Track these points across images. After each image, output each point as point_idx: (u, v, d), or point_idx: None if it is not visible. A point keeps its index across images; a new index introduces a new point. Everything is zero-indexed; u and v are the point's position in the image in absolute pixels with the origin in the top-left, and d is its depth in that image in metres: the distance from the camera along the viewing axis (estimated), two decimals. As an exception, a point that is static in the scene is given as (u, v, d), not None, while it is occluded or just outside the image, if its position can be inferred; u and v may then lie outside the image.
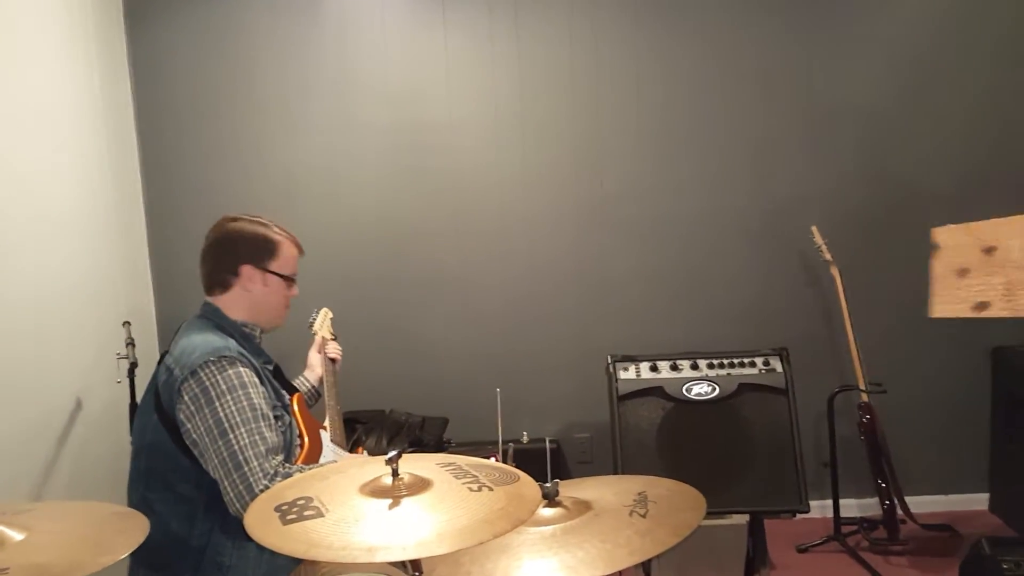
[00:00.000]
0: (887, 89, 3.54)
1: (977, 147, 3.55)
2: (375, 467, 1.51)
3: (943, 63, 3.53)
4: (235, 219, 2.20)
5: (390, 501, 1.39)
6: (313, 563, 2.10)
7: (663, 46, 3.56)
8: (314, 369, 2.63)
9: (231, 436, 1.91)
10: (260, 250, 2.18)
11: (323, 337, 2.65)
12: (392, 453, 1.44)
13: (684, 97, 3.58)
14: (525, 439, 3.43)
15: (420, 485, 1.45)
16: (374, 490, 1.43)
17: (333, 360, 2.62)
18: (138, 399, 2.57)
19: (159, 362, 2.13)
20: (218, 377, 1.96)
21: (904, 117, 3.57)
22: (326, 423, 2.45)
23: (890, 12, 3.51)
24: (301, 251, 2.28)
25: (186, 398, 1.95)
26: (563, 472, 3.49)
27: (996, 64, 3.52)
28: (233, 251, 2.16)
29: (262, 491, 1.80)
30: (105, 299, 3.14)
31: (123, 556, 1.34)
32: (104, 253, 3.19)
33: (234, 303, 2.16)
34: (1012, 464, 3.49)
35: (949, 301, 1.24)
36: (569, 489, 1.77)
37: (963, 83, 3.54)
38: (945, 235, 1.23)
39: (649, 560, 2.68)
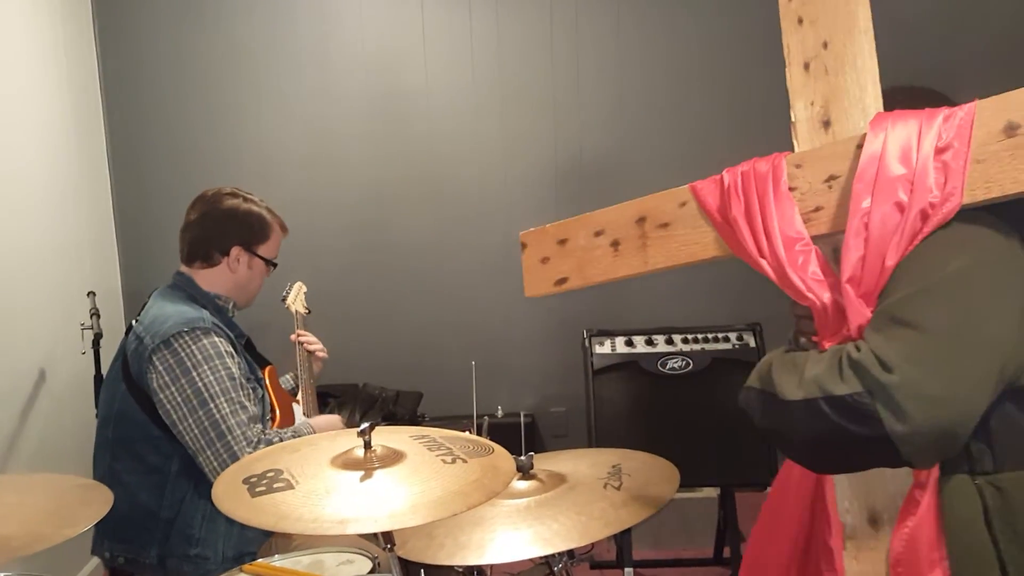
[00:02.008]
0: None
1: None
2: (347, 439, 1.49)
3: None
4: (233, 194, 2.16)
5: (362, 473, 1.37)
6: (285, 536, 2.09)
7: (643, 13, 3.51)
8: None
9: (211, 405, 1.89)
10: (254, 233, 2.16)
11: (297, 311, 2.61)
12: (364, 425, 1.42)
13: (665, 66, 3.54)
14: (500, 413, 3.42)
15: (393, 457, 1.43)
16: (346, 462, 1.41)
17: (309, 352, 2.53)
18: (103, 370, 2.53)
19: (127, 331, 2.09)
20: (193, 347, 1.93)
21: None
22: (299, 396, 2.42)
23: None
24: (286, 232, 2.26)
25: (160, 367, 1.92)
26: (538, 446, 3.48)
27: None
28: (227, 230, 2.13)
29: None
30: (69, 269, 3.08)
31: (86, 528, 1.32)
32: (68, 222, 3.12)
33: (213, 278, 2.13)
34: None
35: (536, 284, 1.62)
36: (544, 462, 1.77)
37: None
38: (528, 236, 1.62)
39: (622, 532, 2.70)
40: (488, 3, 3.51)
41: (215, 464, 1.88)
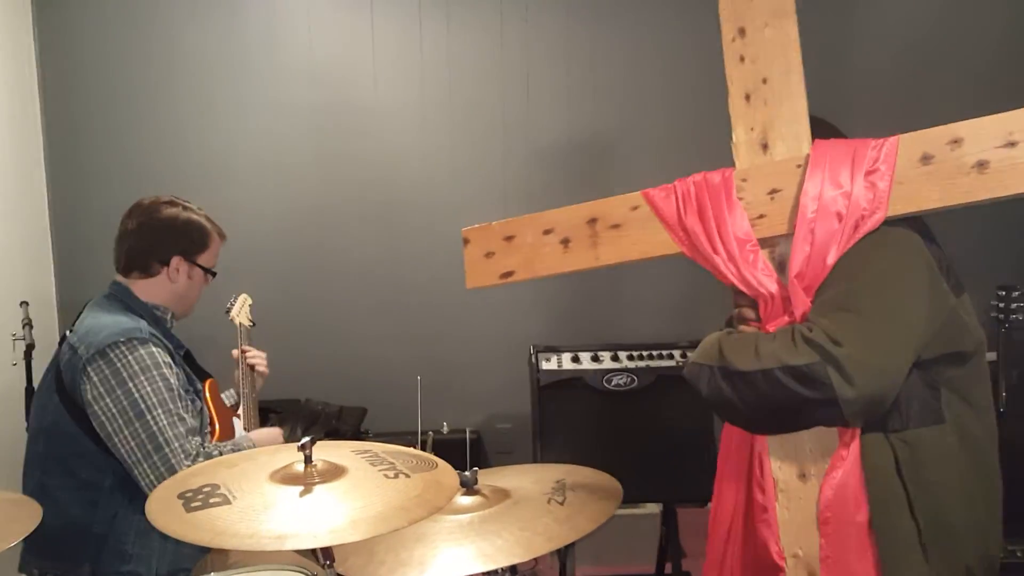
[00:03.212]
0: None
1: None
2: (287, 454, 1.47)
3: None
4: (172, 203, 2.11)
5: (301, 488, 1.35)
6: (222, 553, 2.05)
7: (593, 28, 3.55)
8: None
9: (148, 417, 1.85)
10: (194, 243, 2.11)
11: (241, 324, 2.57)
12: (305, 439, 1.40)
13: (615, 82, 3.58)
14: (446, 429, 3.40)
15: (334, 472, 1.41)
16: (285, 477, 1.40)
17: (252, 367, 2.49)
18: (35, 382, 2.45)
19: (60, 342, 2.03)
20: (129, 358, 1.88)
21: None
22: (240, 410, 2.37)
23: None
24: (224, 240, 2.22)
25: (95, 378, 1.87)
26: (483, 463, 3.46)
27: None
28: (167, 239, 2.08)
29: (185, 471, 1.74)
30: (1, 277, 2.98)
31: (13, 544, 1.27)
32: (1, 231, 3.02)
33: (152, 289, 2.09)
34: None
35: (479, 276, 1.78)
36: (488, 477, 1.77)
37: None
38: (471, 233, 1.79)
39: (565, 548, 2.70)
40: (439, 18, 3.52)
41: (152, 477, 1.83)
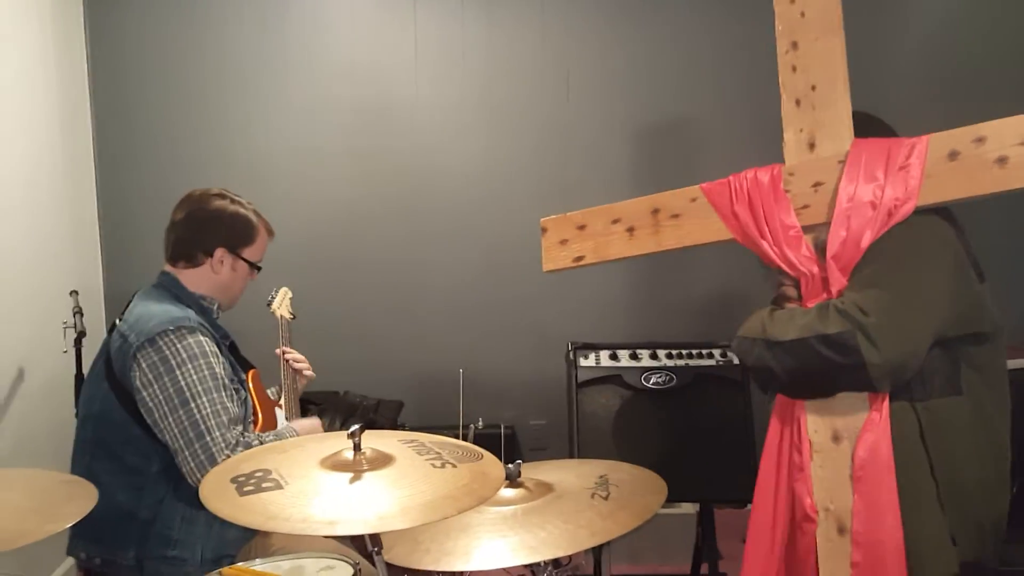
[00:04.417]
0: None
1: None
2: (336, 441, 1.49)
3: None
4: (221, 196, 2.15)
5: (351, 475, 1.37)
6: (264, 539, 2.08)
7: (635, 30, 3.54)
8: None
9: (192, 405, 1.88)
10: (239, 235, 2.14)
11: (282, 316, 2.60)
12: (355, 427, 1.41)
13: (655, 83, 3.57)
14: (480, 424, 3.41)
15: (382, 460, 1.43)
16: (335, 464, 1.41)
17: (295, 371, 2.51)
18: (85, 370, 2.49)
19: (110, 330, 2.07)
20: (178, 346, 1.91)
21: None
22: (281, 401, 2.40)
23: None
24: (272, 236, 2.25)
25: (143, 365, 1.90)
26: (517, 459, 3.46)
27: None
28: (212, 231, 2.11)
29: (224, 461, 1.77)
30: (52, 268, 3.04)
31: (71, 524, 1.30)
32: (52, 221, 3.08)
33: (197, 279, 2.12)
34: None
35: (554, 260, 1.98)
36: (530, 471, 1.77)
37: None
38: (548, 222, 1.99)
39: (599, 547, 2.70)
40: (480, 18, 3.53)
41: (192, 465, 1.86)
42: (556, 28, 3.55)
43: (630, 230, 1.88)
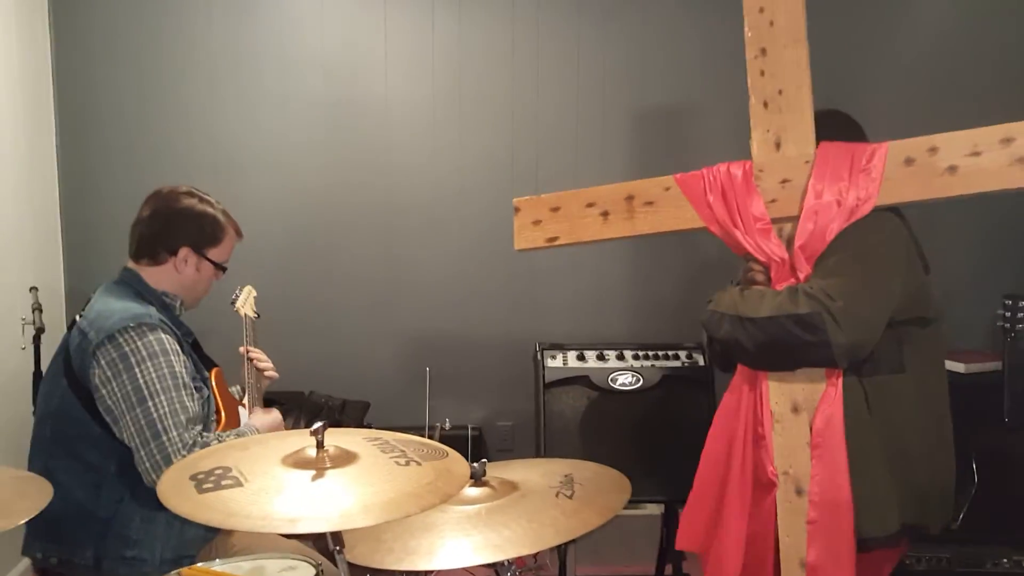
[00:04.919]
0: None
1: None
2: (299, 439, 1.47)
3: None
4: (189, 194, 2.11)
5: (313, 472, 1.35)
6: (225, 539, 2.05)
7: (604, 25, 3.55)
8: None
9: (150, 403, 1.85)
10: (206, 235, 2.11)
11: (246, 315, 2.57)
12: (317, 424, 1.40)
13: (623, 77, 3.59)
14: (447, 425, 3.40)
15: (345, 458, 1.42)
16: (297, 461, 1.40)
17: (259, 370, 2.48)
18: (43, 367, 2.45)
19: (70, 327, 2.03)
20: (138, 343, 1.89)
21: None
22: (245, 400, 2.37)
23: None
24: (241, 237, 2.22)
25: (103, 362, 1.88)
26: (484, 459, 3.45)
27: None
28: (177, 229, 2.08)
29: (181, 460, 1.74)
30: (11, 263, 2.98)
31: (23, 520, 1.27)
32: (12, 215, 3.02)
33: (160, 276, 2.09)
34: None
35: (526, 240, 2.04)
36: (496, 470, 1.77)
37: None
38: (521, 203, 2.06)
39: (564, 547, 2.70)
40: (451, 12, 3.52)
41: (148, 464, 1.84)
42: (527, 21, 3.55)
43: (604, 214, 1.98)
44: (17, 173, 3.07)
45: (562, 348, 2.90)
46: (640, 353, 2.87)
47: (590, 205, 1.99)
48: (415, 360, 3.44)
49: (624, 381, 2.79)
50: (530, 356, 3.05)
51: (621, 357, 2.85)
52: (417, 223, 3.60)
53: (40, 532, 1.96)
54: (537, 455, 2.81)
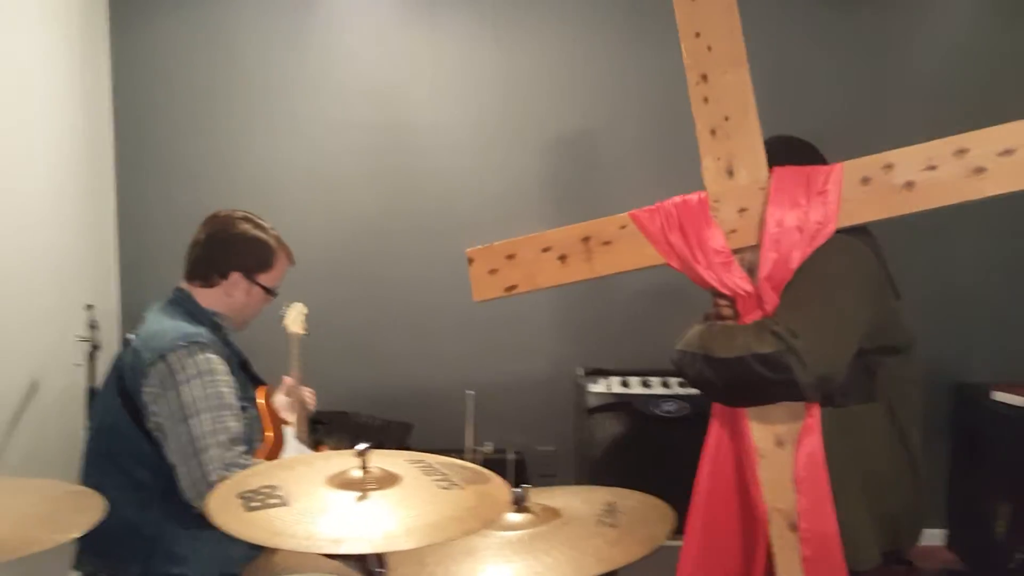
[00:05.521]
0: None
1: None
2: (343, 460, 1.48)
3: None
4: (245, 219, 2.15)
5: (358, 494, 1.36)
6: (268, 558, 2.07)
7: (648, 56, 3.56)
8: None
9: (193, 421, 1.87)
10: (257, 261, 2.14)
11: (294, 332, 2.60)
12: (362, 445, 1.41)
13: (673, 109, 3.57)
14: (489, 448, 3.39)
15: (389, 480, 1.42)
16: (342, 482, 1.40)
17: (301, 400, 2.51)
18: (98, 383, 2.50)
19: (124, 345, 2.08)
20: (187, 361, 1.91)
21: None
22: (291, 420, 2.40)
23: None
24: (292, 263, 2.25)
25: (153, 380, 1.91)
26: (526, 484, 3.43)
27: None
28: (230, 254, 2.11)
29: (217, 480, 1.75)
30: (69, 282, 3.07)
31: (79, 534, 1.30)
32: (71, 236, 3.12)
33: (211, 298, 2.12)
34: (969, 501, 3.53)
35: (484, 290, 2.01)
36: (537, 496, 1.76)
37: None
38: (475, 253, 2.04)
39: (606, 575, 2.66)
40: (496, 40, 3.57)
41: (186, 481, 1.86)
42: (570, 46, 3.57)
43: (562, 258, 1.91)
44: (75, 194, 3.17)
45: (605, 373, 2.88)
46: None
47: (546, 250, 1.93)
48: (457, 384, 3.44)
49: (668, 408, 2.76)
50: (572, 380, 3.03)
51: (666, 384, 2.82)
52: (460, 247, 3.61)
53: (90, 545, 1.98)
54: (578, 481, 2.79)
